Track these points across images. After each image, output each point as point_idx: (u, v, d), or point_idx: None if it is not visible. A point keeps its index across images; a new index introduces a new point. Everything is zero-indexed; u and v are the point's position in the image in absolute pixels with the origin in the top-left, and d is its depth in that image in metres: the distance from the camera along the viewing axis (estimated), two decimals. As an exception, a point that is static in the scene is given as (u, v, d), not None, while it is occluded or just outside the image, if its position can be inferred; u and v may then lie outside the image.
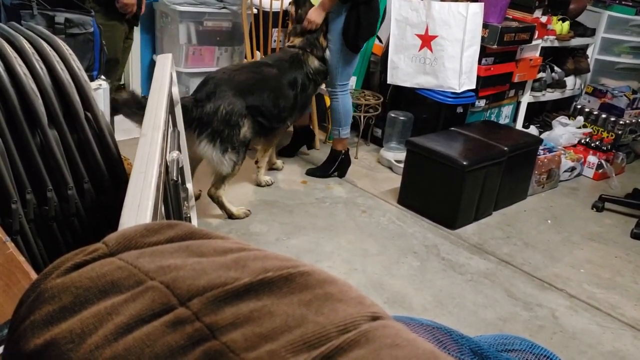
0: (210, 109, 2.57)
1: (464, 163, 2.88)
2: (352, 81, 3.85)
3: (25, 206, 1.29)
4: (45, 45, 1.35)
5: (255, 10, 3.65)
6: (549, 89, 4.13)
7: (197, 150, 2.58)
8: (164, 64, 1.69)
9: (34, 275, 0.88)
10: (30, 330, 0.37)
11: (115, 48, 2.85)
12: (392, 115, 3.63)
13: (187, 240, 0.41)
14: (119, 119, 3.65)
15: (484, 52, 3.50)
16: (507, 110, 3.95)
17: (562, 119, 4.06)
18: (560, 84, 4.18)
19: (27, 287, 0.40)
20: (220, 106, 2.58)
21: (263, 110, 2.75)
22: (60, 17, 2.00)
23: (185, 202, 1.85)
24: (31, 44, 1.35)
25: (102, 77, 2.21)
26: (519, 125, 4.04)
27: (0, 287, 0.85)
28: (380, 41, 3.90)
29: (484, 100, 3.68)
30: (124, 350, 0.32)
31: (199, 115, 2.55)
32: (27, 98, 1.27)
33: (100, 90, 2.05)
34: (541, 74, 4.02)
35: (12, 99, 1.25)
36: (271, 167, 3.35)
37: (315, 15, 2.96)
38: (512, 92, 3.87)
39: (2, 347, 0.62)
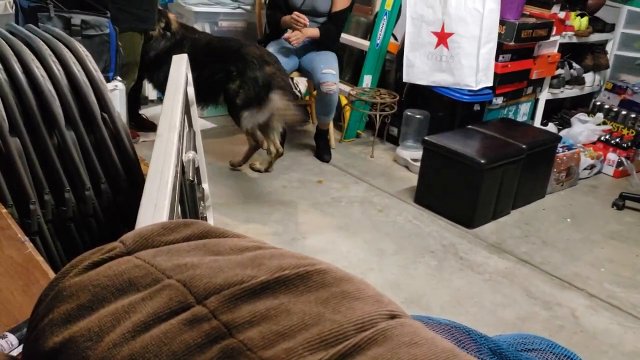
0: None
1: (482, 161, 2.85)
2: (368, 79, 3.84)
3: (44, 207, 1.31)
4: (62, 47, 1.37)
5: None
6: (567, 86, 4.07)
7: None
8: (180, 64, 1.70)
9: (52, 275, 0.89)
10: (49, 328, 0.37)
11: (134, 51, 2.86)
12: (408, 113, 3.60)
13: (203, 239, 0.41)
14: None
15: (501, 49, 3.46)
16: (525, 107, 3.90)
17: (581, 116, 4.00)
18: (578, 81, 4.11)
19: (46, 286, 0.40)
20: None
21: None
22: (76, 19, 2.02)
23: (202, 203, 1.86)
24: (48, 46, 1.36)
25: (118, 78, 2.23)
26: (537, 122, 3.98)
27: (19, 287, 0.86)
28: (396, 39, 3.88)
29: (502, 98, 3.63)
30: (141, 349, 0.32)
31: None
32: (45, 99, 1.28)
33: (116, 92, 2.07)
34: (559, 71, 3.97)
35: (29, 100, 1.26)
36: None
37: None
38: (530, 89, 3.83)
39: (22, 345, 0.62)
